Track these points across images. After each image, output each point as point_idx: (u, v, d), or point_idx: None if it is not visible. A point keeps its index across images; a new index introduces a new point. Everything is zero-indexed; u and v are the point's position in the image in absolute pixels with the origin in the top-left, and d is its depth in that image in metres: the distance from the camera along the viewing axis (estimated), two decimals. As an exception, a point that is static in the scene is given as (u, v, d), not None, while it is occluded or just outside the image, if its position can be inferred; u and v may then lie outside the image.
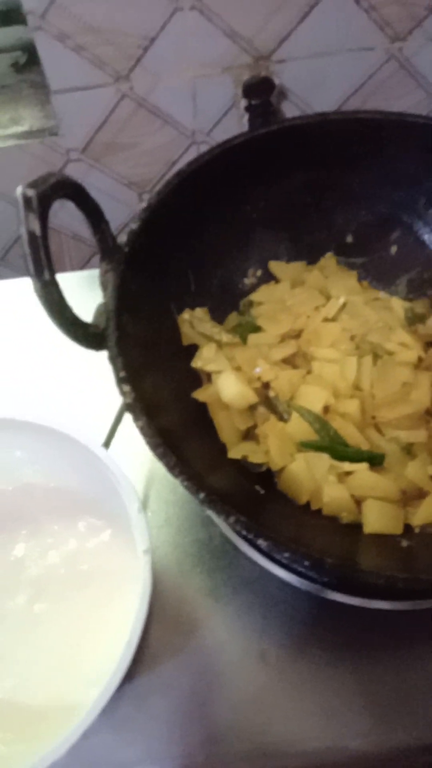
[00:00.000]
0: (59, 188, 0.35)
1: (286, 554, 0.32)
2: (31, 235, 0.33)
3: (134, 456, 0.52)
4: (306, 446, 0.43)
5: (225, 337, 0.48)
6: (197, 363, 0.47)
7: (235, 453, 0.43)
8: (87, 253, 0.82)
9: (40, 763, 0.30)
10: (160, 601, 0.44)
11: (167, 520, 0.48)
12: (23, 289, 0.66)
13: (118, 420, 0.52)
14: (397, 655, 0.43)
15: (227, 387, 0.45)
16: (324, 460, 0.42)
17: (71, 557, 0.44)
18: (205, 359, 0.47)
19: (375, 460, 0.43)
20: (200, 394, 0.46)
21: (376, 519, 0.40)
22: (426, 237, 0.56)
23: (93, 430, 0.45)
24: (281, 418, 0.45)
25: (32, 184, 0.33)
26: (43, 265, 0.33)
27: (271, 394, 0.47)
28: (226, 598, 0.45)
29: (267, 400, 0.46)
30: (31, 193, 0.33)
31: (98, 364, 0.58)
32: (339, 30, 0.62)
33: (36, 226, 0.33)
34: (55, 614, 0.42)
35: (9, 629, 0.41)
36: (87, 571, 0.43)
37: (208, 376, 0.47)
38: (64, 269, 0.83)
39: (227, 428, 0.45)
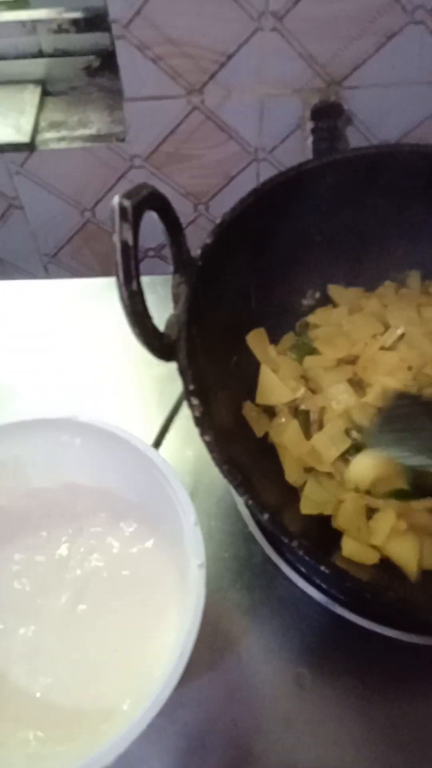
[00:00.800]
0: (150, 200, 0.36)
1: (348, 584, 0.32)
2: (124, 245, 0.33)
3: (177, 465, 0.53)
4: (393, 496, 0.43)
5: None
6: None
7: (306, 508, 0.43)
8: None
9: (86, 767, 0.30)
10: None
11: (209, 534, 0.48)
12: (73, 290, 0.67)
13: (166, 426, 0.52)
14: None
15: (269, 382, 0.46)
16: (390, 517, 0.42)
17: (114, 561, 0.44)
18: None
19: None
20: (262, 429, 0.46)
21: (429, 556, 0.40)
22: None
23: (141, 434, 0.45)
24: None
25: (127, 195, 0.34)
26: (132, 275, 0.34)
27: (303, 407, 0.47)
28: (264, 617, 0.45)
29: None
30: (127, 203, 0.33)
31: (145, 368, 0.59)
32: (413, 62, 0.63)
33: (129, 236, 0.33)
34: (96, 617, 0.42)
35: (50, 628, 0.41)
36: (128, 577, 0.43)
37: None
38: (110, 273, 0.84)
39: (292, 467, 0.45)
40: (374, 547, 0.40)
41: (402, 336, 0.50)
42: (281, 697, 0.42)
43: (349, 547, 0.40)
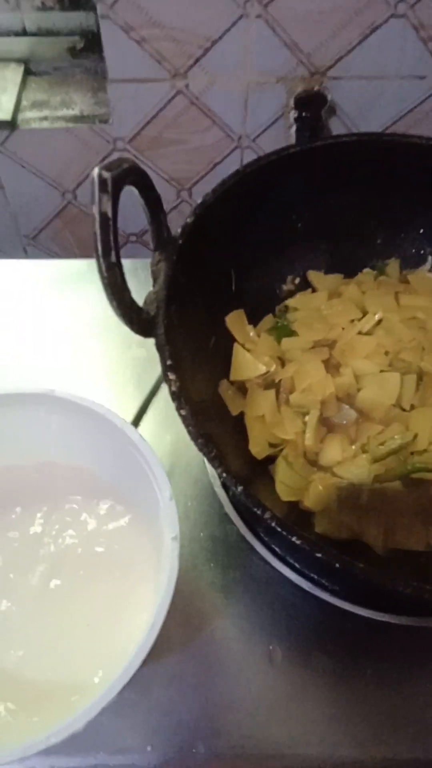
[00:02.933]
0: (130, 174, 0.36)
1: (319, 555, 0.32)
2: (103, 216, 0.33)
3: (155, 447, 0.53)
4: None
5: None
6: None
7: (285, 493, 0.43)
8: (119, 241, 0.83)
9: (57, 734, 0.31)
10: (172, 592, 0.45)
11: (185, 513, 0.49)
12: (53, 271, 0.67)
13: (144, 407, 0.52)
14: (399, 668, 0.43)
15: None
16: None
17: (89, 538, 0.44)
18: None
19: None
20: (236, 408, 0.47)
21: (401, 535, 0.41)
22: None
23: (119, 413, 0.45)
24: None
25: (107, 167, 0.34)
26: (111, 246, 0.34)
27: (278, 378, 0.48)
28: (237, 595, 0.45)
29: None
30: (106, 175, 0.33)
31: (125, 348, 0.59)
32: (395, 55, 0.64)
33: (108, 208, 0.33)
34: (69, 593, 0.42)
35: (23, 603, 0.41)
36: (103, 554, 0.44)
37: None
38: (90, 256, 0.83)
39: (257, 438, 0.46)
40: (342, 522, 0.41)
41: (379, 322, 0.51)
42: (253, 674, 0.42)
43: (322, 524, 0.41)
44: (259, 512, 0.33)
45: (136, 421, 0.53)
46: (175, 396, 0.37)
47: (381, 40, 0.62)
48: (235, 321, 0.50)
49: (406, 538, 0.41)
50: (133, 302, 0.37)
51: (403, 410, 0.46)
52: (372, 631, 0.44)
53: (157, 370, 0.38)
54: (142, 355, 0.59)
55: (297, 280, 0.56)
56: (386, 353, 0.48)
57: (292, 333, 0.50)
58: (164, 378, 0.38)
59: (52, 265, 0.68)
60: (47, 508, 0.45)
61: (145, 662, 0.34)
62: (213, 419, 0.44)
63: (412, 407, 0.46)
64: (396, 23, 0.61)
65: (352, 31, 0.61)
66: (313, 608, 0.45)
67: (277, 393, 0.47)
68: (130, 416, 0.54)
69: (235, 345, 0.49)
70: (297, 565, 0.45)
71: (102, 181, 0.34)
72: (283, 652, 0.43)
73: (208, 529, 0.48)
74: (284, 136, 0.70)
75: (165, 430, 0.54)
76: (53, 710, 0.37)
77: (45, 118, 0.68)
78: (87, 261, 0.67)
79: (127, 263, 0.61)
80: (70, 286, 0.65)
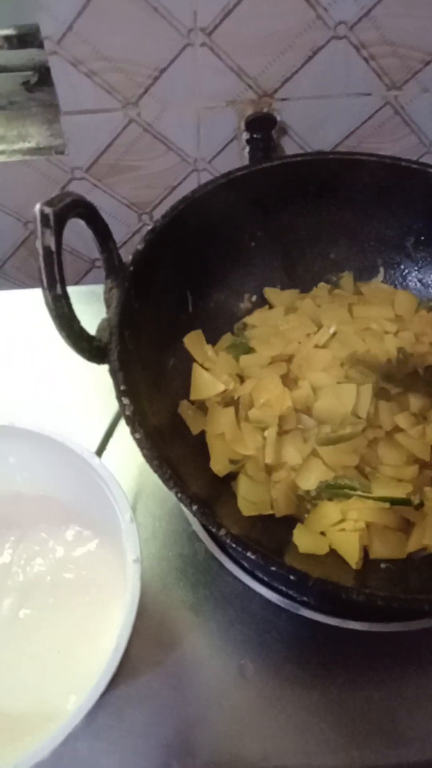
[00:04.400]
0: (74, 207, 0.37)
1: (273, 568, 0.33)
2: (47, 250, 0.34)
3: (122, 469, 0.53)
4: (329, 488, 0.44)
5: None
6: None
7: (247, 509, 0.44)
8: (82, 268, 0.84)
9: (23, 762, 0.31)
10: (142, 613, 0.45)
11: (153, 534, 0.49)
12: (20, 300, 0.68)
13: (110, 431, 0.53)
14: (369, 676, 0.44)
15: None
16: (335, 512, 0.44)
17: (57, 565, 0.44)
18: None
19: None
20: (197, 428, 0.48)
21: (379, 545, 0.41)
22: (412, 276, 0.59)
23: (85, 439, 0.46)
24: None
25: (49, 203, 0.35)
26: (56, 279, 0.35)
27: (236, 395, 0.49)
28: (208, 613, 0.46)
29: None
30: (48, 210, 0.34)
31: (91, 375, 0.60)
32: (339, 75, 0.66)
33: (51, 242, 0.34)
34: (39, 621, 0.42)
35: (-7, 634, 0.41)
36: (72, 580, 0.44)
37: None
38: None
39: (218, 455, 0.46)
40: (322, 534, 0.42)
41: (334, 334, 0.52)
42: (225, 689, 0.43)
43: (301, 538, 0.41)
44: (214, 529, 0.34)
45: (103, 445, 0.54)
46: (129, 420, 0.37)
47: (324, 61, 0.64)
48: (194, 341, 0.51)
49: (385, 547, 0.42)
50: (83, 331, 0.38)
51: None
52: (342, 639, 0.45)
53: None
54: (109, 380, 0.59)
55: (254, 298, 0.57)
56: (342, 365, 0.49)
57: (250, 350, 0.51)
58: (119, 403, 0.38)
59: (18, 294, 0.69)
60: (15, 537, 0.46)
61: (117, 684, 0.35)
62: (174, 440, 0.45)
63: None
64: (337, 44, 0.63)
65: (294, 54, 0.63)
66: (282, 620, 0.45)
67: (237, 410, 0.48)
68: (97, 441, 0.54)
69: (194, 365, 0.50)
70: (265, 579, 0.46)
71: (44, 217, 0.35)
72: (255, 665, 0.43)
73: (177, 548, 0.49)
74: (238, 157, 0.72)
75: (135, 452, 0.55)
76: (26, 739, 0.37)
77: (2, 152, 0.70)
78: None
79: (96, 288, 0.62)
80: (33, 315, 0.65)
